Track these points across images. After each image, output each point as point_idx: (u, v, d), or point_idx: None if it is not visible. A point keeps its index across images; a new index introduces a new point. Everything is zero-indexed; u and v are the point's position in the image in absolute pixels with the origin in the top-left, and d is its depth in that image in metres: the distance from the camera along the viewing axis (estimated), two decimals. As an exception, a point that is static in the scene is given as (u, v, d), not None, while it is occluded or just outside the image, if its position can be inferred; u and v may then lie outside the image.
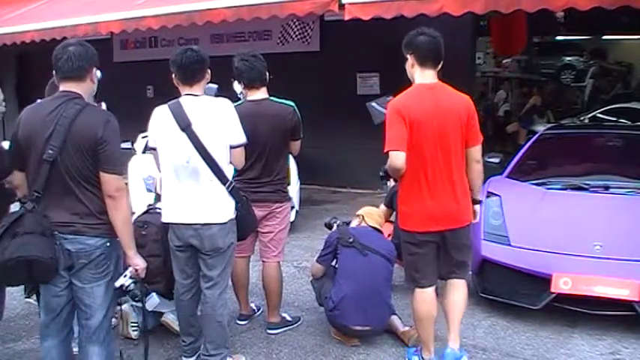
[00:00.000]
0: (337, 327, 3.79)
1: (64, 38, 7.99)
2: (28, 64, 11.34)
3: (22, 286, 4.27)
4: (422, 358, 3.44)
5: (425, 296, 3.32)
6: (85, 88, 2.79)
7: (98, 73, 3.03)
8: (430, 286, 3.33)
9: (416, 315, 3.39)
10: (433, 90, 3.22)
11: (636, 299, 3.72)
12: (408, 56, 3.27)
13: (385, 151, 3.10)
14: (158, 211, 3.57)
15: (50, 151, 2.63)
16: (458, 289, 3.41)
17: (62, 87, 2.78)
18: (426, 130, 3.13)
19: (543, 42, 16.19)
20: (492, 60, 13.44)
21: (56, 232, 2.67)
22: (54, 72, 2.80)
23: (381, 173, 4.17)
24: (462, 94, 3.31)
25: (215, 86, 3.48)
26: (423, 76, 3.24)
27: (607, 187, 4.70)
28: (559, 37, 15.96)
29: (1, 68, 11.74)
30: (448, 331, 3.44)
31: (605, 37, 15.57)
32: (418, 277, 3.32)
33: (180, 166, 3.16)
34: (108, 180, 2.69)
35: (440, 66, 3.27)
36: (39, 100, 2.97)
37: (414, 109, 3.13)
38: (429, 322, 3.36)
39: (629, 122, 9.57)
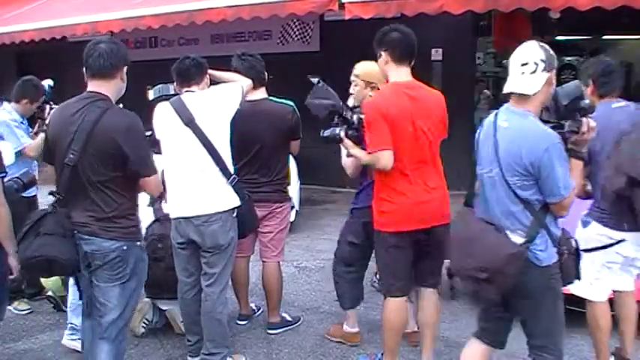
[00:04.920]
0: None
1: (64, 37, 8.03)
2: (28, 64, 11.34)
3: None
4: None
5: (400, 305, 3.25)
6: (113, 87, 2.76)
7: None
8: (404, 294, 3.26)
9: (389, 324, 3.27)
10: (409, 88, 3.15)
11: (636, 299, 3.71)
12: (383, 53, 3.19)
13: (372, 151, 3.05)
14: (165, 217, 3.59)
15: (71, 156, 2.65)
16: (430, 300, 3.33)
17: (90, 86, 2.75)
18: (404, 128, 3.06)
19: (543, 42, 16.16)
20: (492, 60, 13.42)
21: (76, 232, 2.70)
22: (84, 69, 2.75)
23: None
24: (435, 90, 3.28)
25: (171, 85, 3.52)
26: (398, 73, 3.16)
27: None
28: (559, 37, 15.96)
29: (1, 68, 11.74)
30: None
31: (605, 37, 15.55)
32: (392, 284, 3.21)
33: (184, 161, 3.21)
34: (148, 182, 2.74)
35: (412, 62, 3.21)
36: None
37: (393, 109, 3.05)
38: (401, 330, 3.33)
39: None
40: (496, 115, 2.57)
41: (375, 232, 3.24)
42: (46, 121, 3.97)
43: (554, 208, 2.44)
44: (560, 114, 2.46)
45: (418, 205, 3.11)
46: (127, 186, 2.75)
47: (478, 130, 2.71)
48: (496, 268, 2.36)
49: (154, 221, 3.82)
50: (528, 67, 2.43)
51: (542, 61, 2.44)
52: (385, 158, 3.03)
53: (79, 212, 2.72)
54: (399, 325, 3.28)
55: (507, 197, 2.45)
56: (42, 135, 4.19)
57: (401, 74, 3.17)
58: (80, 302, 2.99)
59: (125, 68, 2.79)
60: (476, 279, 2.43)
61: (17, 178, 3.27)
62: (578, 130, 2.42)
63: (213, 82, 3.46)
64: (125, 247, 2.73)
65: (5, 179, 2.98)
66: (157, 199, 3.98)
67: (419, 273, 3.28)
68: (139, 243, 2.84)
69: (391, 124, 3.04)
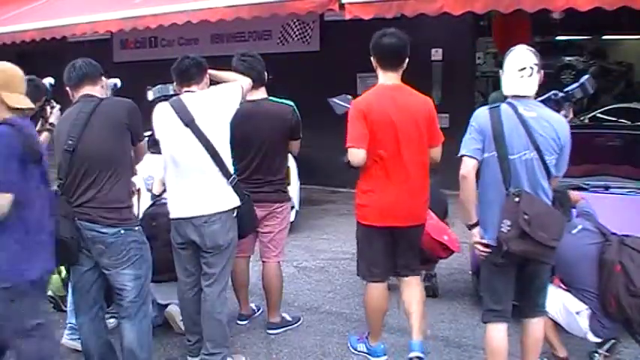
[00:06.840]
0: None
1: (64, 37, 8.03)
2: (28, 64, 11.34)
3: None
4: (369, 345, 3.61)
5: (379, 290, 3.46)
6: (99, 92, 3.07)
7: (118, 82, 3.55)
8: (383, 280, 3.47)
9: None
10: (393, 90, 3.30)
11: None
12: (372, 58, 3.35)
13: (347, 146, 3.22)
14: (164, 201, 3.61)
15: (70, 142, 2.87)
16: (414, 286, 3.51)
17: (79, 93, 3.05)
18: (384, 128, 3.20)
19: (543, 42, 16.16)
20: (492, 60, 13.44)
21: (76, 219, 2.89)
22: (68, 88, 3.06)
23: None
24: (422, 95, 3.38)
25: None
26: (385, 77, 3.32)
27: (607, 187, 4.70)
28: (559, 37, 15.95)
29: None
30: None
31: (605, 37, 15.54)
32: (371, 271, 3.44)
33: (184, 162, 3.22)
34: (140, 147, 3.13)
35: (403, 66, 3.32)
36: None
37: (374, 109, 3.22)
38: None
39: (629, 122, 9.56)
40: (513, 107, 2.82)
41: (357, 221, 3.47)
42: (49, 120, 4.03)
43: (555, 180, 2.94)
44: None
45: (396, 205, 3.28)
46: (124, 172, 2.99)
47: (488, 123, 2.85)
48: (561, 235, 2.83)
49: (150, 205, 3.88)
50: (526, 71, 2.78)
51: (535, 64, 2.80)
52: (353, 155, 3.21)
53: (79, 199, 2.91)
54: (380, 308, 3.51)
55: (541, 174, 2.84)
56: (44, 134, 4.22)
57: (388, 78, 3.32)
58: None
59: (103, 78, 3.12)
60: (551, 248, 2.78)
61: None
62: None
63: (213, 81, 3.46)
64: (122, 232, 2.93)
65: None
66: (157, 199, 3.99)
67: (398, 267, 3.49)
68: (137, 228, 3.04)
69: (371, 125, 3.21)
